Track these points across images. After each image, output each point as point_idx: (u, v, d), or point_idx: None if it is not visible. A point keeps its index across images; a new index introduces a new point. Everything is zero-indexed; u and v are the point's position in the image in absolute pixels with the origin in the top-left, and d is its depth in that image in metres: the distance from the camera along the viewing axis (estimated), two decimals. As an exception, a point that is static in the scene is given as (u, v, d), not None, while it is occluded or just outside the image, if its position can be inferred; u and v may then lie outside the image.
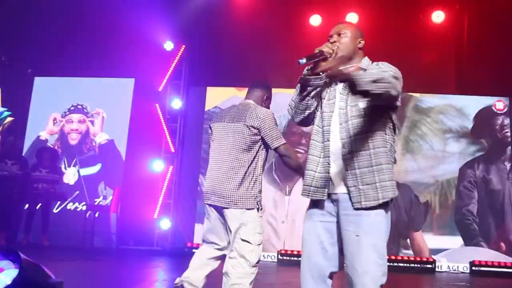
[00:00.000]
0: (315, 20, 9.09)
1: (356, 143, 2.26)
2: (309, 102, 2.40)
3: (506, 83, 8.74)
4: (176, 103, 8.97)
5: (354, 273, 2.20)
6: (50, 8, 8.77)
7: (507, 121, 8.40)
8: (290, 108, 2.49)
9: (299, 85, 2.39)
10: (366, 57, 2.48)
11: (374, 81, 2.07)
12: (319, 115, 2.44)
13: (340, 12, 9.01)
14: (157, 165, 8.70)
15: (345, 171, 2.28)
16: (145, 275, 6.10)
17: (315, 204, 2.39)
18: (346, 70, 2.27)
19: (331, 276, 2.34)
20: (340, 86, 2.40)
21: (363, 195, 2.22)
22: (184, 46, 9.22)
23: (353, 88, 2.10)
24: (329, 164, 2.33)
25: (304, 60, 2.21)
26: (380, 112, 2.31)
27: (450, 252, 7.96)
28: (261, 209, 3.29)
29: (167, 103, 9.01)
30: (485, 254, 7.88)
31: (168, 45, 9.21)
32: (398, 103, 2.34)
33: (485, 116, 8.46)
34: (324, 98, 2.44)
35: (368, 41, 8.65)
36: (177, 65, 9.16)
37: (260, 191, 3.29)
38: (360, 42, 2.47)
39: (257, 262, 3.15)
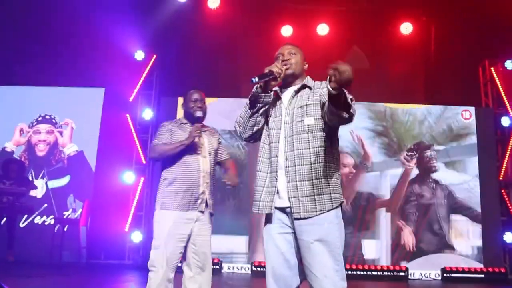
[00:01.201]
0: (286, 30, 9.18)
1: (299, 157, 2.40)
2: (257, 118, 2.57)
3: (472, 93, 9.01)
4: (147, 114, 8.86)
5: (314, 279, 2.31)
6: (17, 15, 8.57)
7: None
8: (238, 125, 2.63)
9: (248, 102, 2.55)
10: (308, 76, 2.64)
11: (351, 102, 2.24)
12: (265, 132, 2.58)
13: (311, 24, 9.15)
14: (128, 177, 8.55)
15: (287, 183, 2.40)
16: (117, 290, 5.96)
17: (270, 217, 2.49)
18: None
19: (297, 286, 2.44)
20: (285, 102, 2.55)
21: (302, 206, 2.36)
22: (155, 55, 9.15)
23: (336, 100, 2.19)
24: (276, 178, 2.46)
25: (256, 79, 2.40)
26: (326, 129, 2.44)
27: (422, 260, 8.06)
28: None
29: (138, 113, 8.89)
30: (456, 260, 8.01)
31: (139, 55, 9.11)
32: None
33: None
34: (270, 116, 2.58)
35: (338, 52, 8.82)
36: (148, 75, 9.07)
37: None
38: (306, 65, 2.65)
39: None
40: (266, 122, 2.60)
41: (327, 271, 2.28)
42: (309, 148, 2.40)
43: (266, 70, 2.46)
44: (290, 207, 2.39)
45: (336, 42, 8.95)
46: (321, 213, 2.35)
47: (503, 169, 8.52)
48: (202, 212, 3.40)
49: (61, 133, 8.86)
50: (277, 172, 2.46)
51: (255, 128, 2.59)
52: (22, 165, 8.36)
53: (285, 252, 2.42)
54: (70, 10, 8.44)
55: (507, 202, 8.26)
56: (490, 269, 7.83)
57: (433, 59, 9.07)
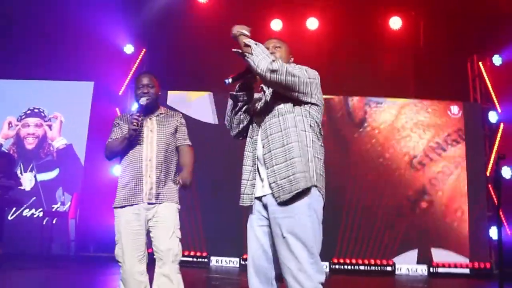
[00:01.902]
0: (276, 24, 9.18)
1: (273, 142, 2.41)
2: (241, 116, 2.60)
3: (460, 87, 9.06)
4: (137, 107, 8.83)
5: (288, 272, 2.28)
6: (4, 9, 8.51)
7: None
8: (227, 123, 2.68)
9: (231, 101, 2.58)
10: None
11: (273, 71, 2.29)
12: (251, 128, 2.62)
13: (300, 17, 9.15)
14: (117, 170, 8.53)
15: (266, 169, 2.41)
16: (105, 283, 6.00)
17: (253, 210, 2.51)
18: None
19: (278, 278, 2.43)
20: (267, 97, 2.57)
21: (281, 189, 2.34)
22: (144, 49, 9.13)
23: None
24: (256, 170, 2.49)
25: (230, 80, 2.44)
26: (296, 110, 2.45)
27: (409, 255, 8.13)
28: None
29: (128, 107, 8.88)
30: (442, 255, 8.09)
31: (128, 49, 9.10)
32: (313, 100, 2.47)
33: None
34: (256, 111, 2.62)
35: (328, 46, 8.80)
36: (137, 69, 9.06)
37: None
38: (291, 58, 2.67)
39: None
40: (251, 118, 2.63)
41: (301, 264, 2.24)
42: (280, 131, 2.39)
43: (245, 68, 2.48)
44: (272, 193, 2.37)
45: (326, 36, 8.96)
46: (296, 191, 2.29)
47: (490, 165, 8.58)
48: (153, 203, 3.17)
49: (50, 126, 8.85)
50: (257, 164, 2.50)
51: (241, 126, 2.62)
52: (11, 158, 8.33)
53: (264, 243, 2.43)
54: (59, 4, 8.41)
55: (494, 198, 8.32)
56: (476, 264, 7.92)
57: (422, 53, 9.09)
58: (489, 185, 8.47)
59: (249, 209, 2.54)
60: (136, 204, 3.15)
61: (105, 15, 8.33)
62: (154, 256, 3.18)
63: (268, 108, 2.51)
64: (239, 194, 2.55)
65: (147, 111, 3.36)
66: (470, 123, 8.67)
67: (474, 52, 9.12)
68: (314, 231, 2.31)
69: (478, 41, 8.69)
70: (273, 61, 2.32)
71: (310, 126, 2.45)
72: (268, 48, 2.57)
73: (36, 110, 8.91)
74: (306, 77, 2.42)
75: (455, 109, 8.69)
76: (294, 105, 2.45)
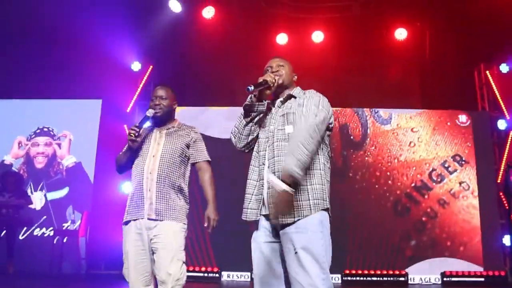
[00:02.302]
0: (282, 38, 9.23)
1: (279, 163, 2.40)
2: (252, 128, 2.64)
3: (468, 97, 9.04)
4: (145, 124, 8.87)
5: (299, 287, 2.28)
6: (13, 29, 8.62)
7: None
8: (233, 135, 2.69)
9: (242, 112, 2.62)
10: (298, 87, 2.69)
11: (299, 161, 2.23)
12: (257, 142, 2.64)
13: (306, 31, 9.20)
14: (127, 187, 8.56)
15: (267, 189, 2.42)
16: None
17: (259, 225, 2.50)
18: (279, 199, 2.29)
19: None
20: (273, 113, 2.60)
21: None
22: (151, 66, 9.21)
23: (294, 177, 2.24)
24: (262, 186, 2.49)
25: (252, 87, 2.47)
26: None
27: (422, 264, 8.05)
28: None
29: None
30: (455, 264, 8.00)
31: (136, 66, 9.18)
32: (331, 126, 2.52)
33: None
34: (261, 126, 2.65)
35: (333, 59, 8.81)
36: (145, 86, 9.13)
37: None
38: (295, 76, 2.73)
39: None
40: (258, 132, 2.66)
41: (312, 279, 2.25)
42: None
43: (260, 80, 2.53)
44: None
45: (331, 48, 8.99)
46: (299, 219, 2.32)
47: (501, 172, 8.52)
48: (153, 219, 2.97)
49: (59, 145, 8.89)
50: (263, 180, 2.49)
51: (250, 138, 2.65)
52: (20, 177, 8.38)
53: (271, 261, 2.43)
54: (66, 23, 8.48)
55: (506, 205, 8.24)
56: (490, 273, 7.82)
57: (428, 64, 9.10)
58: (501, 193, 8.40)
59: (253, 224, 2.54)
60: (138, 219, 3.00)
61: (112, 33, 8.40)
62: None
63: (278, 127, 2.51)
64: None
65: (157, 123, 3.26)
66: (479, 132, 8.64)
67: (481, 61, 9.14)
68: (325, 247, 2.34)
69: (485, 50, 8.69)
70: (310, 143, 2.28)
71: (322, 149, 2.48)
72: (272, 67, 2.67)
73: (45, 129, 8.96)
74: (327, 115, 2.44)
75: (463, 118, 8.66)
76: None
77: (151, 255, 2.98)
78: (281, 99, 2.62)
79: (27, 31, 8.70)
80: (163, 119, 3.24)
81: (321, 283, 2.25)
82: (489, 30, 8.25)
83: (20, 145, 8.91)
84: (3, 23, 8.57)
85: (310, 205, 2.35)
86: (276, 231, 2.43)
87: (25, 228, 8.33)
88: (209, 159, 3.27)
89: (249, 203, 2.52)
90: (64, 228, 8.38)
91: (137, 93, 9.03)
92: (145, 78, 9.14)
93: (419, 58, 9.21)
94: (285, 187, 2.22)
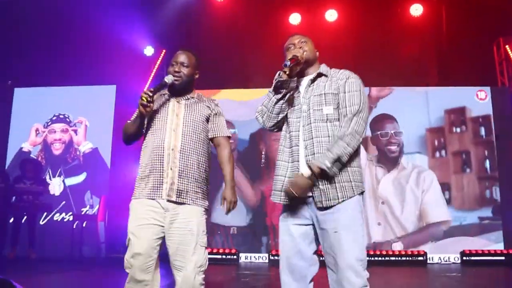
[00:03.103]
0: (295, 18, 9.11)
1: (318, 145, 2.36)
2: (283, 105, 2.53)
3: (486, 73, 8.84)
4: (161, 91, 8.88)
5: (336, 269, 2.25)
6: (27, 18, 8.66)
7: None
8: (261, 114, 2.59)
9: (271, 90, 2.51)
10: (323, 64, 2.61)
11: (336, 160, 2.25)
12: (286, 122, 2.55)
13: (319, 10, 9.06)
14: (143, 171, 8.61)
15: (309, 171, 2.33)
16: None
17: (289, 208, 2.44)
18: (308, 178, 2.30)
19: (311, 278, 2.40)
20: (302, 91, 2.53)
21: (323, 194, 2.31)
22: (164, 50, 9.18)
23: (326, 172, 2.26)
24: (298, 168, 2.41)
25: (289, 63, 2.39)
26: None
27: (441, 244, 7.99)
28: None
29: (150, 108, 8.92)
30: (474, 243, 7.92)
31: (149, 50, 9.17)
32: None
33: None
34: (290, 105, 2.55)
35: (348, 37, 8.69)
36: (158, 70, 9.13)
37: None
38: (317, 52, 2.62)
39: None
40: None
41: (351, 261, 2.22)
42: (328, 137, 2.36)
43: (290, 56, 2.44)
44: (312, 196, 2.35)
45: (345, 27, 8.85)
46: (343, 200, 2.30)
47: (522, 149, 8.35)
48: (173, 202, 2.64)
49: (75, 131, 8.97)
50: (298, 161, 2.42)
51: (280, 116, 2.55)
52: (39, 164, 8.52)
53: (299, 243, 2.39)
54: (78, 10, 8.50)
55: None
56: (511, 251, 7.71)
57: (446, 39, 8.91)
58: (522, 170, 8.26)
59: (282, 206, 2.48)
60: (156, 199, 2.64)
61: (124, 18, 8.40)
62: (171, 266, 2.66)
63: (314, 108, 2.44)
64: (269, 190, 2.49)
65: (175, 92, 2.86)
66: (498, 108, 8.46)
67: (500, 35, 8.89)
68: (363, 228, 2.33)
69: (503, 24, 8.45)
70: (344, 139, 2.29)
71: None
72: (294, 44, 2.56)
73: (61, 116, 9.06)
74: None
75: (482, 94, 8.49)
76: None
77: (161, 238, 2.66)
78: (311, 77, 2.53)
79: (41, 20, 8.72)
80: (182, 89, 2.86)
81: (359, 264, 2.23)
82: (507, 2, 8.03)
83: (37, 132, 9.02)
84: (18, 12, 8.62)
85: (352, 186, 2.33)
86: (309, 213, 2.38)
87: (45, 214, 8.48)
88: (230, 135, 2.94)
89: (282, 186, 2.44)
90: (83, 213, 8.51)
91: (150, 78, 9.04)
92: (158, 62, 9.14)
93: (435, 35, 9.02)
94: (309, 174, 2.26)
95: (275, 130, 2.63)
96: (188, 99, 2.87)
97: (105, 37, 8.46)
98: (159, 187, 2.64)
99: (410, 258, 7.76)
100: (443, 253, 7.87)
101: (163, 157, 2.67)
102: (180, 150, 2.69)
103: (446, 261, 7.82)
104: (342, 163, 2.28)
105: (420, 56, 8.95)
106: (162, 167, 2.67)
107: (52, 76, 8.86)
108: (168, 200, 2.63)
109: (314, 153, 2.35)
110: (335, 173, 2.28)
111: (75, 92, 9.06)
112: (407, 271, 7.16)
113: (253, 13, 8.87)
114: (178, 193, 2.64)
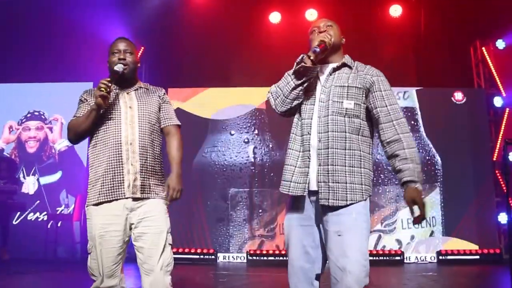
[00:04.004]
0: (275, 17, 9.08)
1: (333, 140, 2.25)
2: (300, 92, 2.36)
3: (463, 74, 8.96)
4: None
5: (338, 273, 2.18)
6: (2, 11, 8.44)
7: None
8: (274, 97, 2.43)
9: (291, 75, 2.35)
10: (347, 55, 2.49)
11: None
12: (300, 109, 2.41)
13: (299, 9, 9.04)
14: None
15: (318, 166, 2.26)
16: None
17: (295, 206, 2.35)
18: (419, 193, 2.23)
19: (317, 277, 2.33)
20: (322, 79, 2.39)
21: (332, 193, 2.22)
22: (143, 47, 9.04)
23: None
24: (309, 158, 2.31)
25: (318, 49, 2.27)
26: (365, 117, 2.34)
27: (417, 243, 8.07)
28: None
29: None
30: (451, 243, 8.02)
31: (127, 47, 9.01)
32: None
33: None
34: (306, 91, 2.40)
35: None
36: (136, 67, 8.98)
37: None
38: (343, 39, 2.50)
39: None
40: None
41: (353, 265, 2.14)
42: (345, 132, 2.25)
43: (317, 42, 2.31)
44: (318, 191, 2.26)
45: (325, 27, 8.85)
46: (351, 203, 2.22)
47: (496, 150, 8.49)
48: (137, 199, 2.53)
49: (50, 129, 8.79)
50: (309, 151, 2.31)
51: (295, 102, 2.38)
52: (12, 162, 8.32)
53: (306, 245, 2.31)
54: (55, 4, 8.33)
55: (501, 183, 8.23)
56: (485, 251, 7.86)
57: (424, 41, 8.98)
58: (496, 171, 8.39)
59: (284, 201, 2.46)
60: (116, 200, 2.51)
61: (102, 14, 8.26)
62: (140, 268, 2.57)
63: (334, 99, 2.31)
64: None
65: (123, 83, 2.69)
66: (475, 109, 8.59)
67: (477, 37, 9.01)
68: (368, 233, 2.24)
69: (481, 26, 8.57)
70: (415, 146, 2.28)
71: (371, 134, 2.38)
72: (319, 27, 2.44)
73: (36, 113, 8.84)
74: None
75: (459, 95, 8.60)
76: (361, 109, 2.33)
77: (127, 241, 2.58)
78: (334, 65, 2.41)
79: (15, 15, 8.52)
80: (129, 78, 2.70)
81: (361, 270, 2.15)
82: (485, 5, 8.13)
83: (10, 129, 8.80)
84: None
85: (362, 190, 2.25)
86: (316, 213, 2.31)
87: (18, 213, 8.28)
88: (179, 124, 2.82)
89: (292, 176, 2.32)
90: (58, 213, 8.34)
91: (128, 75, 8.89)
92: (136, 59, 8.99)
93: (414, 35, 9.07)
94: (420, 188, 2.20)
95: (287, 116, 2.47)
96: (137, 89, 2.74)
97: (82, 33, 8.31)
98: (120, 185, 2.51)
99: (387, 258, 7.82)
100: (420, 253, 7.96)
101: (121, 153, 2.53)
102: (139, 144, 2.57)
103: (423, 260, 7.90)
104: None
105: (398, 57, 9.00)
106: (121, 164, 2.52)
107: (27, 73, 8.64)
108: (133, 199, 2.52)
109: (327, 147, 2.25)
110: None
111: (50, 88, 8.84)
112: (384, 271, 7.21)
113: (233, 10, 8.80)
114: (142, 189, 2.53)
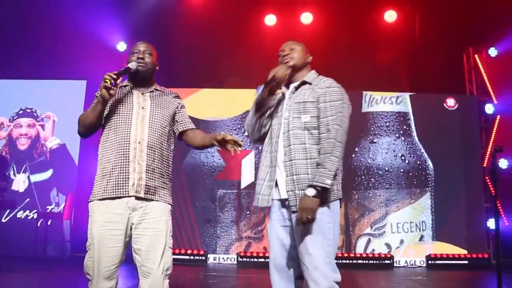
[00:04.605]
0: (270, 20, 9.10)
1: (296, 152, 2.46)
2: (264, 121, 2.67)
3: (455, 81, 9.03)
4: (122, 76, 8.73)
5: (305, 270, 2.39)
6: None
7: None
8: (246, 129, 2.74)
9: (253, 107, 2.64)
10: (313, 71, 2.69)
11: (330, 171, 2.36)
12: (271, 128, 2.66)
13: (295, 12, 9.08)
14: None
15: (286, 177, 2.47)
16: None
17: (274, 210, 2.57)
18: (306, 205, 2.36)
19: (299, 276, 2.50)
20: (287, 97, 2.62)
21: (298, 199, 2.40)
22: (137, 47, 9.02)
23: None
24: (274, 172, 2.54)
25: (262, 87, 2.55)
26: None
27: (407, 247, 8.11)
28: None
29: (121, 105, 8.77)
30: (440, 247, 8.07)
31: (121, 46, 9.02)
32: None
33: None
34: (274, 112, 2.67)
35: (322, 41, 8.73)
36: (130, 66, 8.95)
37: None
38: (309, 57, 2.72)
39: None
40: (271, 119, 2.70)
41: (317, 262, 2.34)
42: (305, 144, 2.46)
43: (271, 75, 2.53)
44: (287, 199, 2.46)
45: (320, 30, 8.88)
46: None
47: (487, 156, 8.56)
48: (141, 199, 2.49)
49: (42, 126, 8.74)
50: (276, 166, 2.54)
51: (262, 130, 2.68)
52: (3, 159, 8.25)
53: (286, 244, 2.51)
54: (50, 2, 8.29)
55: (491, 188, 8.30)
56: (474, 255, 7.92)
57: (418, 47, 9.04)
58: (486, 177, 8.46)
59: (264, 209, 2.62)
60: (119, 197, 2.48)
61: (97, 12, 8.24)
62: (138, 270, 2.52)
63: (294, 115, 2.53)
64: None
65: (137, 83, 2.70)
66: (466, 116, 8.66)
67: (470, 44, 9.10)
68: (333, 233, 2.43)
69: (474, 34, 8.67)
70: (333, 152, 2.38)
71: None
72: (283, 51, 2.66)
73: (28, 110, 8.79)
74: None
75: (451, 101, 8.66)
76: (318, 121, 2.49)
77: (128, 242, 2.53)
78: (295, 84, 2.62)
79: (9, 11, 8.47)
80: (144, 78, 2.70)
81: (326, 267, 2.35)
82: (479, 14, 8.21)
83: (2, 126, 8.74)
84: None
85: (326, 193, 2.41)
86: (289, 214, 2.48)
87: (8, 211, 8.22)
88: (194, 127, 2.82)
89: (260, 189, 2.58)
90: (48, 211, 8.28)
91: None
92: (131, 58, 8.96)
93: (408, 41, 9.13)
94: (315, 199, 2.34)
95: (261, 143, 2.73)
96: (153, 91, 2.73)
97: (77, 31, 8.28)
98: (125, 183, 2.48)
99: (377, 261, 7.85)
100: (409, 257, 8.00)
101: (128, 151, 2.51)
102: (148, 144, 2.55)
103: (412, 264, 7.94)
104: (335, 176, 2.39)
105: (392, 62, 9.05)
106: (128, 162, 2.50)
107: (20, 69, 8.59)
108: (136, 198, 2.49)
109: (291, 159, 2.46)
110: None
111: (43, 86, 8.80)
112: (373, 275, 7.24)
113: (229, 12, 8.81)
114: (146, 189, 2.50)
